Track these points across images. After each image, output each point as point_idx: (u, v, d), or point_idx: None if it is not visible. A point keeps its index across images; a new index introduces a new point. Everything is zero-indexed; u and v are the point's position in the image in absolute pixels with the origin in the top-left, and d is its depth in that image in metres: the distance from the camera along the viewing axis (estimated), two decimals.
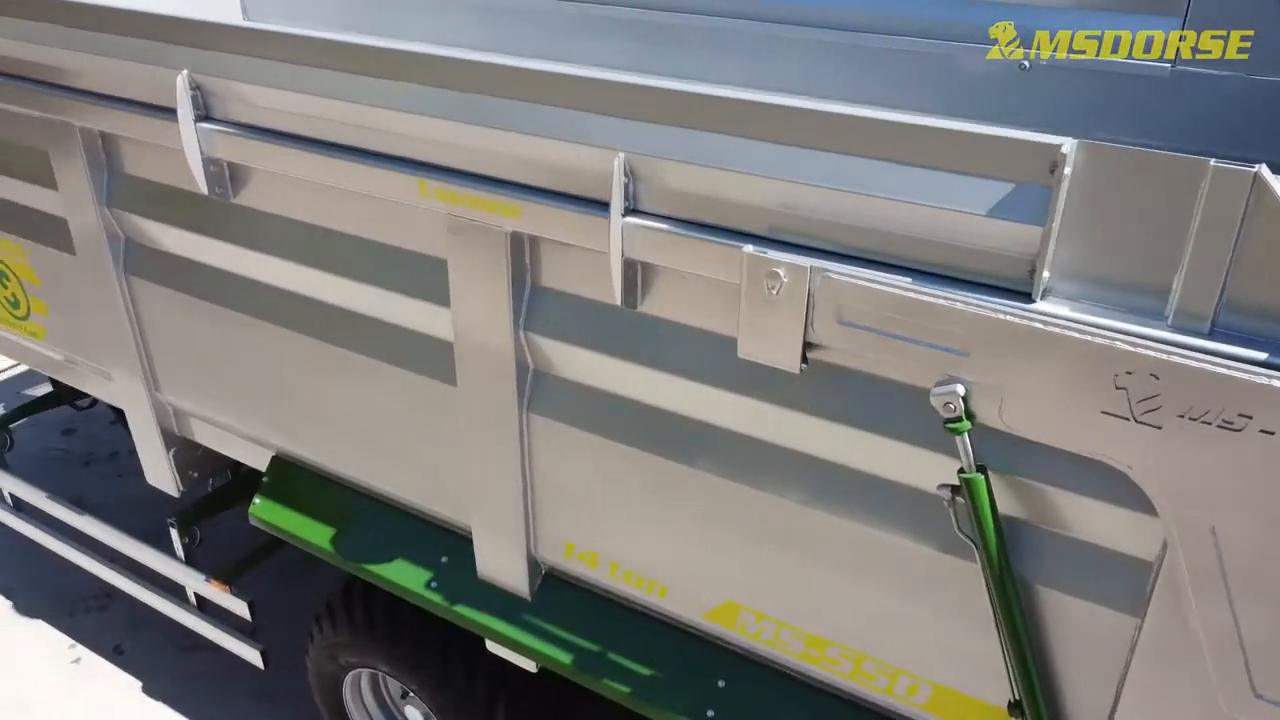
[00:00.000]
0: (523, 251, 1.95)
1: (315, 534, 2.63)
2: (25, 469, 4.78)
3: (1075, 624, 1.61)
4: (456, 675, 2.68)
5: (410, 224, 2.09)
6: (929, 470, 1.65)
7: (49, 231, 2.84)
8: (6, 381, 5.62)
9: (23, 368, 5.73)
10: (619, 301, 1.81)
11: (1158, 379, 1.32)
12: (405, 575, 2.48)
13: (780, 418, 1.76)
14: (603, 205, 1.76)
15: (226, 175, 2.32)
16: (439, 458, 2.32)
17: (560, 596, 2.32)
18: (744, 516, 1.89)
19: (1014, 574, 1.60)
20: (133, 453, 4.76)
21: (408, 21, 3.53)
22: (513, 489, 2.19)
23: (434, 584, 2.45)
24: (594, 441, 2.02)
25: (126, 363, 2.87)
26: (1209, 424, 1.30)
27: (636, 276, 1.81)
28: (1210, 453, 1.31)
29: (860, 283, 1.53)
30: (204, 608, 3.28)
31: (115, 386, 2.99)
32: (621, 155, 1.69)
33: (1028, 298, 1.44)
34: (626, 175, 1.70)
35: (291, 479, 2.72)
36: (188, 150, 2.25)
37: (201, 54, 2.18)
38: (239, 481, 3.30)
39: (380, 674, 3.05)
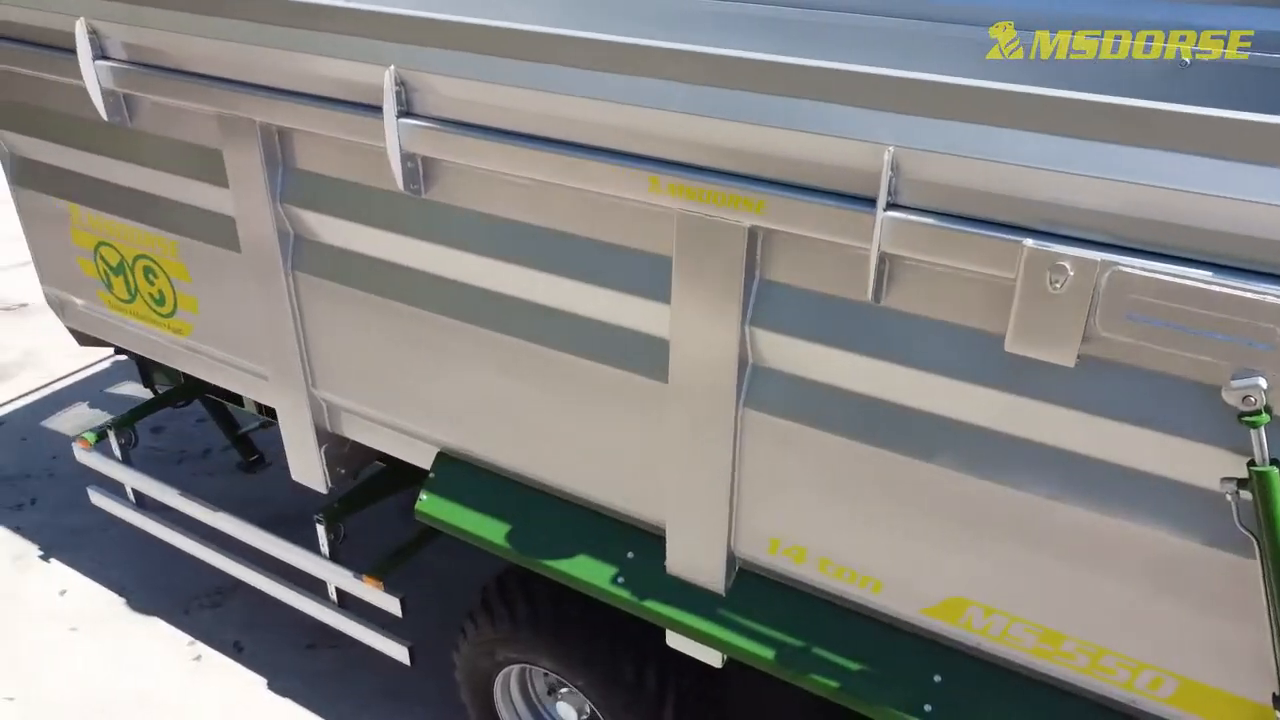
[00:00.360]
0: (755, 246, 1.95)
1: (489, 530, 2.63)
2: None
3: None
4: (627, 671, 2.68)
5: (629, 219, 2.08)
6: (1202, 464, 1.65)
7: (211, 229, 2.84)
8: (90, 380, 5.64)
9: (101, 366, 5.76)
10: (870, 296, 1.81)
11: None
12: (590, 571, 2.48)
13: (1039, 412, 1.76)
14: (858, 200, 1.76)
15: (420, 171, 2.32)
16: (637, 454, 2.32)
17: (756, 591, 2.32)
18: (984, 511, 1.89)
19: None
20: (227, 448, 4.82)
21: (516, 15, 3.53)
22: (719, 486, 2.19)
23: (620, 579, 2.45)
24: (816, 436, 2.02)
25: (285, 359, 2.87)
26: None
27: (885, 270, 1.81)
28: None
29: (1157, 276, 1.53)
30: (344, 604, 3.28)
31: (269, 384, 2.99)
32: (890, 150, 1.69)
33: None
34: (892, 170, 1.70)
35: (460, 475, 2.72)
36: (389, 146, 2.25)
37: (408, 49, 2.18)
38: (382, 478, 3.31)
39: (529, 671, 3.05)
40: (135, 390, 5.50)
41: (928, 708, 2.10)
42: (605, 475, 2.43)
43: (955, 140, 1.67)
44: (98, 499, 3.89)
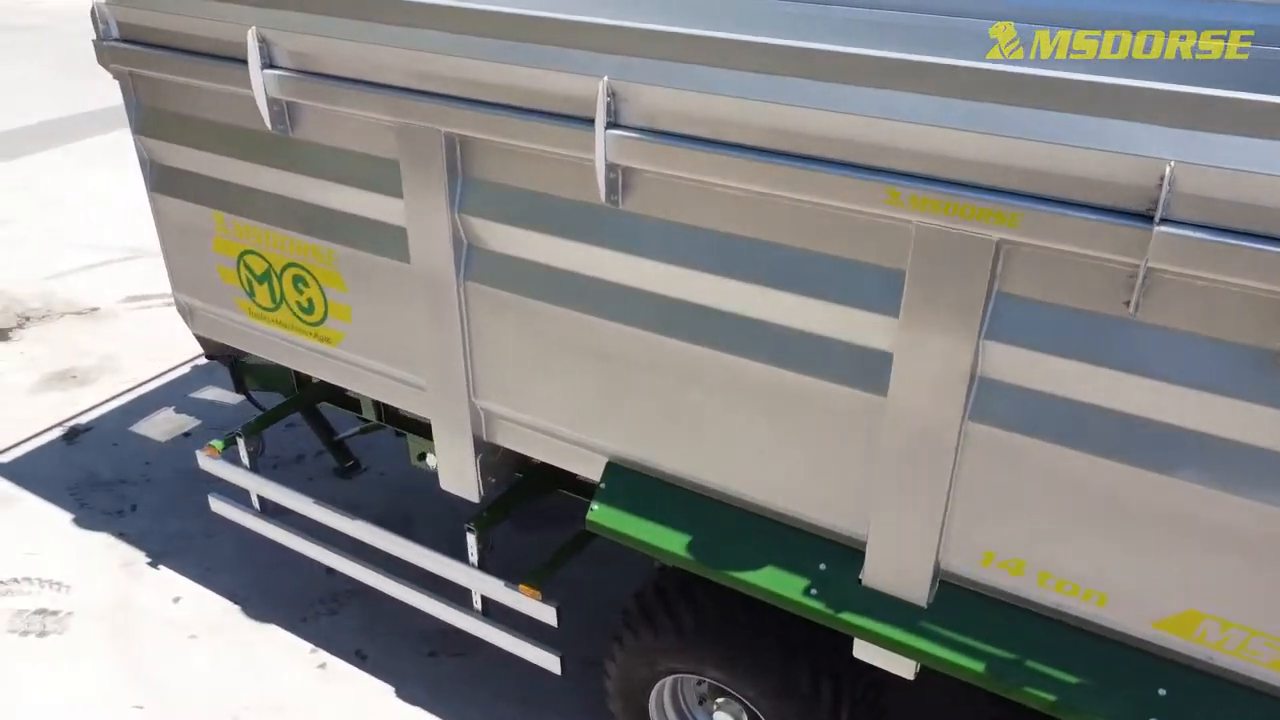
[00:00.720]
0: (998, 260, 1.94)
1: (667, 540, 2.62)
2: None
3: None
4: (802, 681, 2.68)
5: (857, 232, 2.07)
6: None
7: (376, 239, 2.83)
8: (170, 385, 5.63)
9: (180, 371, 5.75)
10: (1133, 311, 1.80)
11: None
12: (780, 583, 2.47)
13: None
14: (1123, 214, 1.75)
15: (620, 182, 2.32)
16: (840, 467, 2.31)
17: (961, 603, 2.32)
18: (1230, 524, 1.88)
19: None
20: (320, 453, 4.81)
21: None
22: (934, 500, 2.19)
23: (814, 591, 2.44)
24: (1050, 450, 2.01)
25: (447, 369, 2.86)
26: None
27: (1144, 284, 1.80)
28: None
29: None
30: (487, 612, 3.27)
31: (425, 394, 2.99)
32: (1171, 164, 1.68)
33: None
34: (1168, 185, 1.69)
35: (633, 485, 2.71)
36: (597, 157, 2.25)
37: (623, 59, 2.17)
38: (523, 486, 3.30)
39: (682, 681, 3.05)
40: (218, 395, 5.54)
41: None
42: (801, 487, 2.42)
43: (1226, 154, 1.66)
44: (219, 506, 3.88)
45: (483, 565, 3.20)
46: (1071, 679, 2.18)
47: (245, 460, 3.73)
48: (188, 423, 5.33)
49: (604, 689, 3.14)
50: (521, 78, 2.32)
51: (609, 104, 2.21)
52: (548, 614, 3.06)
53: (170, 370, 5.77)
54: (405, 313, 2.88)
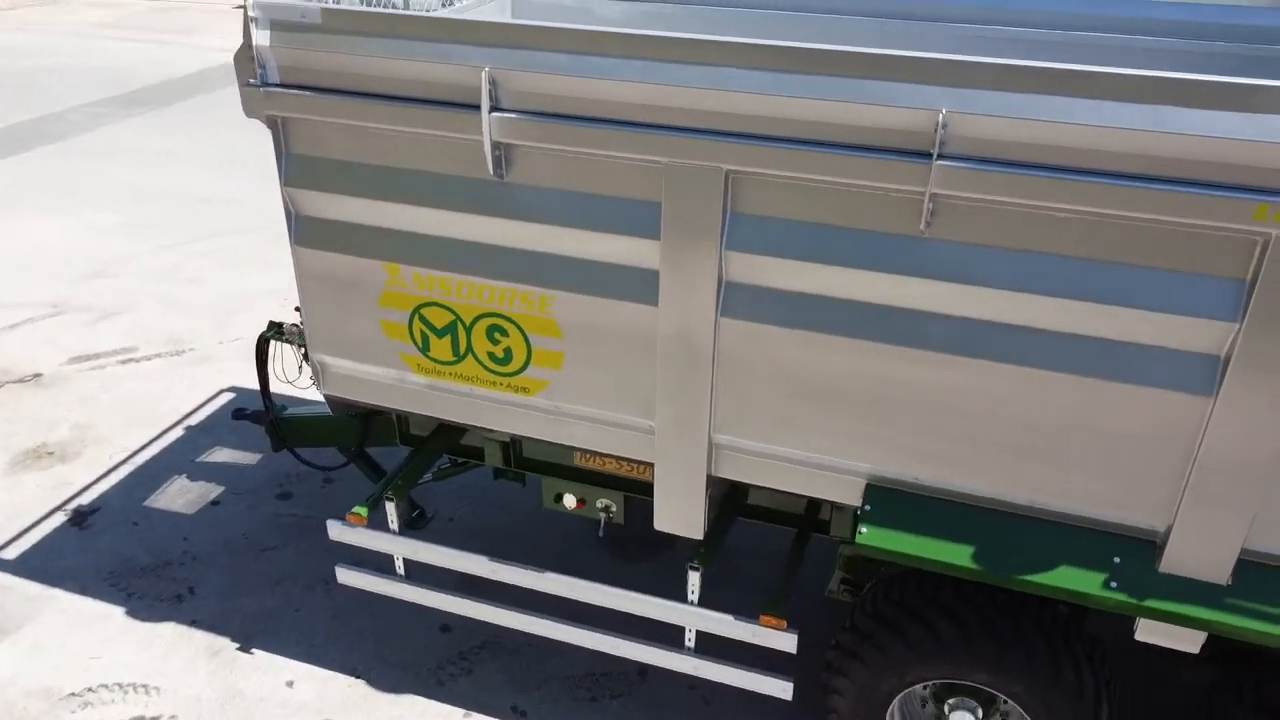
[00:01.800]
0: None
1: (946, 553, 2.69)
2: (252, 535, 4.45)
3: None
4: (1066, 670, 2.82)
5: (1197, 246, 2.22)
6: None
7: (615, 282, 2.74)
8: (168, 450, 5.13)
9: (175, 434, 5.26)
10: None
11: None
12: (1077, 580, 2.60)
13: None
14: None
15: (932, 210, 2.37)
16: (1158, 467, 2.45)
17: (1258, 576, 2.52)
18: None
19: None
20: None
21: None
22: (1258, 486, 2.37)
23: (1113, 584, 2.58)
24: None
25: (689, 407, 2.81)
26: None
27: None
28: None
29: None
30: (699, 647, 3.23)
31: (653, 435, 2.91)
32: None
33: None
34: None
35: (901, 503, 2.76)
36: (930, 190, 2.29)
37: (962, 92, 2.23)
38: (729, 515, 3.28)
39: (914, 689, 3.13)
40: (231, 456, 5.13)
41: None
42: (1101, 490, 2.55)
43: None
44: (350, 578, 3.61)
45: (701, 601, 3.16)
46: None
47: (394, 524, 3.49)
48: (210, 490, 4.89)
49: (830, 707, 3.17)
50: (829, 113, 2.33)
51: (939, 136, 2.25)
52: (788, 641, 3.06)
53: (162, 435, 5.26)
54: (640, 356, 2.80)
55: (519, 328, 2.92)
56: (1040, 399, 2.49)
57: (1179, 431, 2.40)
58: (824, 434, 2.76)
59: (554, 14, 3.96)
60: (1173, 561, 2.55)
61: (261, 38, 2.74)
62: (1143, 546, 2.59)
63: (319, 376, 3.35)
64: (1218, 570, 2.52)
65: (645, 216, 2.61)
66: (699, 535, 3.06)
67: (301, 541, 4.52)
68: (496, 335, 2.96)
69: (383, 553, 3.55)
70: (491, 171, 2.68)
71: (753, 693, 3.21)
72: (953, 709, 3.08)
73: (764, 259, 2.58)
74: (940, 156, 2.28)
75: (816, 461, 2.82)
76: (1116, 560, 2.61)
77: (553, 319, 2.87)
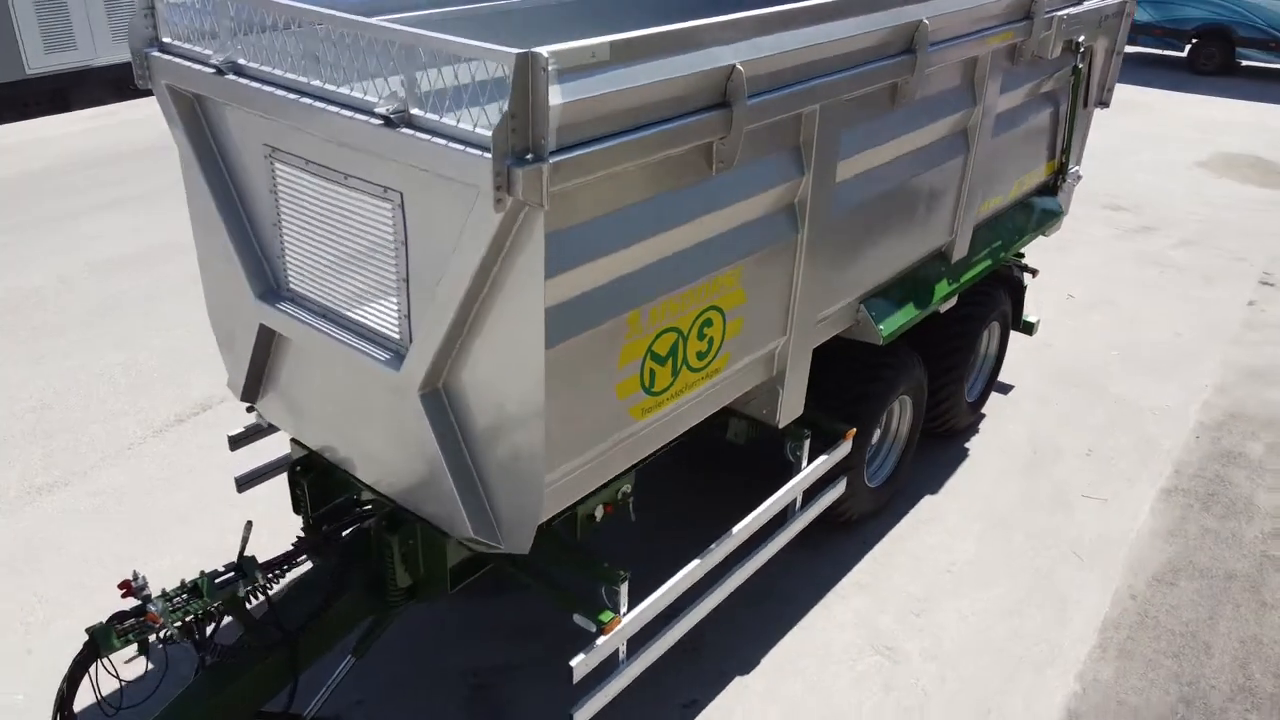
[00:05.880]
0: None
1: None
2: None
3: None
4: None
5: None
6: None
7: (778, 227, 3.18)
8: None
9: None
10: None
11: None
12: None
13: None
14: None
15: None
16: None
17: None
18: None
19: None
20: None
21: None
22: None
23: None
24: None
25: (808, 304, 3.49)
26: None
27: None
28: None
29: None
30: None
31: (774, 356, 3.47)
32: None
33: None
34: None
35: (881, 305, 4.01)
36: None
37: None
38: None
39: None
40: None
41: None
42: None
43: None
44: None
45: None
46: None
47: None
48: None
49: None
50: None
51: None
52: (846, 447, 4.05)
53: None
54: (785, 282, 3.32)
55: (720, 311, 3.06)
56: None
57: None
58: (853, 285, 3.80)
59: None
60: None
61: (556, 94, 2.20)
62: None
63: (528, 515, 2.72)
64: None
65: (798, 160, 3.15)
66: (800, 411, 3.74)
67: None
68: (704, 329, 3.03)
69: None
70: (713, 169, 2.80)
71: None
72: None
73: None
74: None
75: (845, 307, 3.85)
76: None
77: (739, 287, 3.12)
